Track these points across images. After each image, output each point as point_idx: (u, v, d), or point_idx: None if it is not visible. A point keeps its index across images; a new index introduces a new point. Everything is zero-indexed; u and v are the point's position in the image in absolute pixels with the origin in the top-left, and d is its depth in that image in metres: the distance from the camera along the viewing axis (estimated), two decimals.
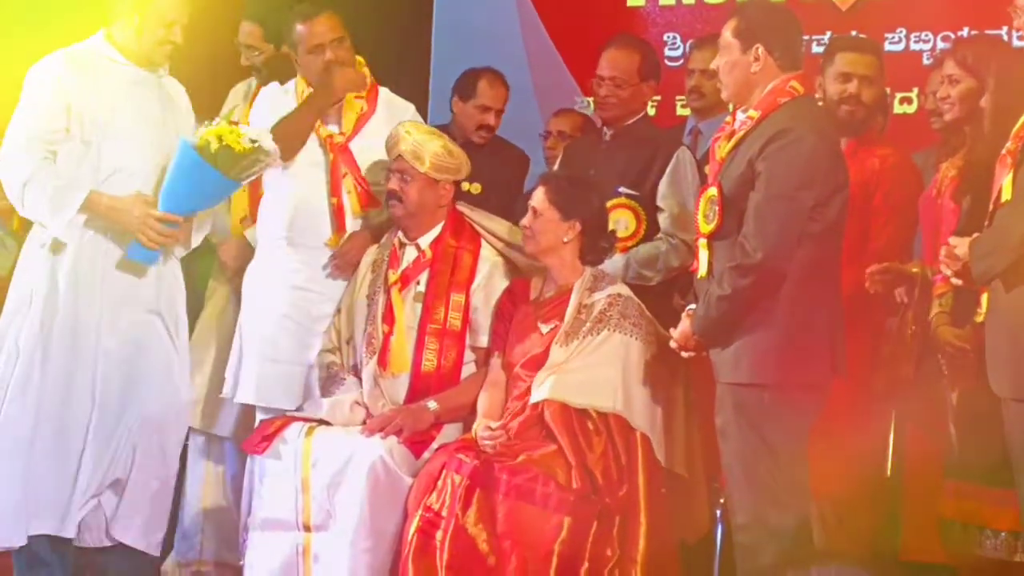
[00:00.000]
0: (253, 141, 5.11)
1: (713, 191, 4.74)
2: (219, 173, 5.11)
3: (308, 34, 5.60)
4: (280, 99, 5.64)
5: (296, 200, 5.57)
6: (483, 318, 5.39)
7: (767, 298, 4.64)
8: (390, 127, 5.50)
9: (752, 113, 4.72)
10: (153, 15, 5.22)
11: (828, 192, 4.66)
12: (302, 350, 5.54)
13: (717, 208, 4.70)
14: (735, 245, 4.65)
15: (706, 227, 4.76)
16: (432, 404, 5.27)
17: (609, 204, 5.48)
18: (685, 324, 4.83)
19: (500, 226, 5.53)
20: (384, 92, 5.73)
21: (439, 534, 4.91)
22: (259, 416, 5.56)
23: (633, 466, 5.03)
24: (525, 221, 5.30)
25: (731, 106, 4.89)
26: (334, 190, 5.55)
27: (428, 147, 5.36)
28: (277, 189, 5.60)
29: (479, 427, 5.14)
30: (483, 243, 5.49)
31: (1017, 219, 4.20)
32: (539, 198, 5.27)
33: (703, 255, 4.79)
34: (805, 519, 4.73)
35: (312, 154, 5.57)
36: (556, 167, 6.04)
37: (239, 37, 6.57)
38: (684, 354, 4.88)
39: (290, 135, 5.45)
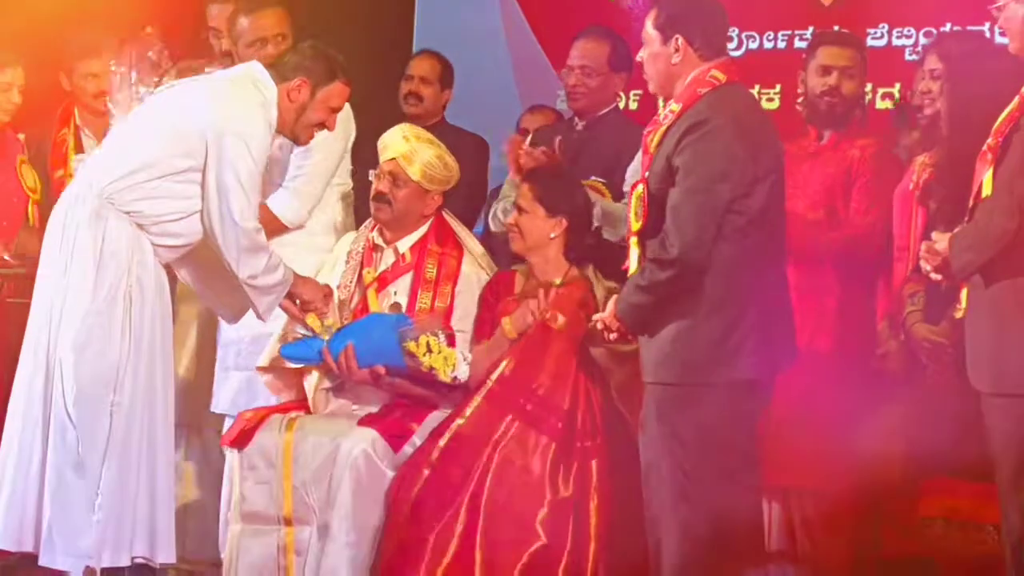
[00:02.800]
0: (455, 379, 5.18)
1: (641, 188, 4.68)
2: (403, 364, 5.17)
3: (251, 27, 5.61)
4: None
5: None
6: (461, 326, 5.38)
7: (686, 292, 4.57)
8: None
9: (673, 106, 4.66)
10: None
11: (748, 182, 4.55)
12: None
13: (643, 205, 4.65)
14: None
15: (636, 224, 4.68)
16: None
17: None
18: (610, 306, 4.77)
19: (477, 247, 5.56)
20: None
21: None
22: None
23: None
24: (511, 219, 5.30)
25: None
26: None
27: (422, 155, 5.35)
28: None
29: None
30: (465, 255, 5.48)
31: (997, 214, 4.20)
32: (525, 195, 5.27)
33: (634, 253, 4.71)
34: (724, 520, 4.61)
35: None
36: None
37: (214, 22, 6.29)
38: (608, 335, 4.81)
39: None
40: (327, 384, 5.37)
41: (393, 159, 5.35)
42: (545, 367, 5.17)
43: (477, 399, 5.14)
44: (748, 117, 4.66)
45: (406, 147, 5.34)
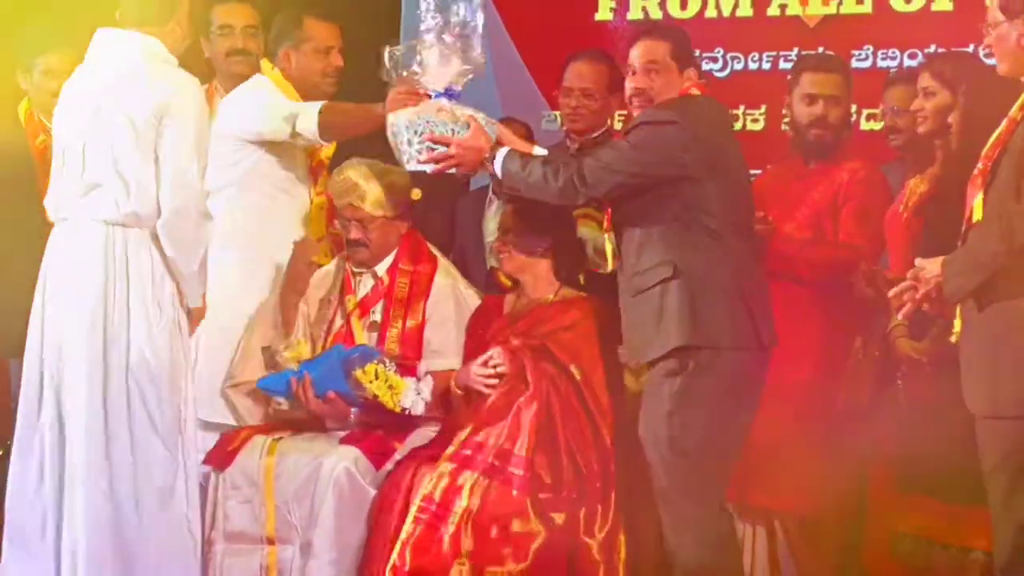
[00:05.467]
0: (404, 409, 5.13)
1: None
2: (350, 392, 5.14)
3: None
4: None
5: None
6: (435, 343, 5.36)
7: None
8: None
9: None
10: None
11: (676, 173, 4.71)
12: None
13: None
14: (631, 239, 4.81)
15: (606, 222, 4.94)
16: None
17: (575, 213, 5.44)
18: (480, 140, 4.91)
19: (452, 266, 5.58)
20: None
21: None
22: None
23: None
24: (497, 242, 5.30)
25: None
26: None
27: (373, 193, 5.33)
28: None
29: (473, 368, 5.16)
30: (439, 266, 5.48)
31: (988, 238, 4.23)
32: (509, 213, 5.27)
33: (608, 246, 4.95)
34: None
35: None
36: None
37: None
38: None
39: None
40: (282, 406, 5.36)
41: (350, 204, 5.35)
42: (505, 423, 5.06)
43: (442, 467, 4.97)
44: (707, 126, 4.81)
45: (358, 191, 5.34)
